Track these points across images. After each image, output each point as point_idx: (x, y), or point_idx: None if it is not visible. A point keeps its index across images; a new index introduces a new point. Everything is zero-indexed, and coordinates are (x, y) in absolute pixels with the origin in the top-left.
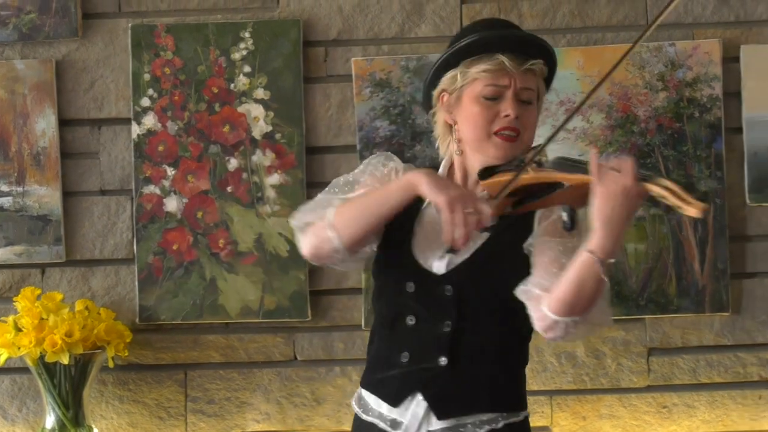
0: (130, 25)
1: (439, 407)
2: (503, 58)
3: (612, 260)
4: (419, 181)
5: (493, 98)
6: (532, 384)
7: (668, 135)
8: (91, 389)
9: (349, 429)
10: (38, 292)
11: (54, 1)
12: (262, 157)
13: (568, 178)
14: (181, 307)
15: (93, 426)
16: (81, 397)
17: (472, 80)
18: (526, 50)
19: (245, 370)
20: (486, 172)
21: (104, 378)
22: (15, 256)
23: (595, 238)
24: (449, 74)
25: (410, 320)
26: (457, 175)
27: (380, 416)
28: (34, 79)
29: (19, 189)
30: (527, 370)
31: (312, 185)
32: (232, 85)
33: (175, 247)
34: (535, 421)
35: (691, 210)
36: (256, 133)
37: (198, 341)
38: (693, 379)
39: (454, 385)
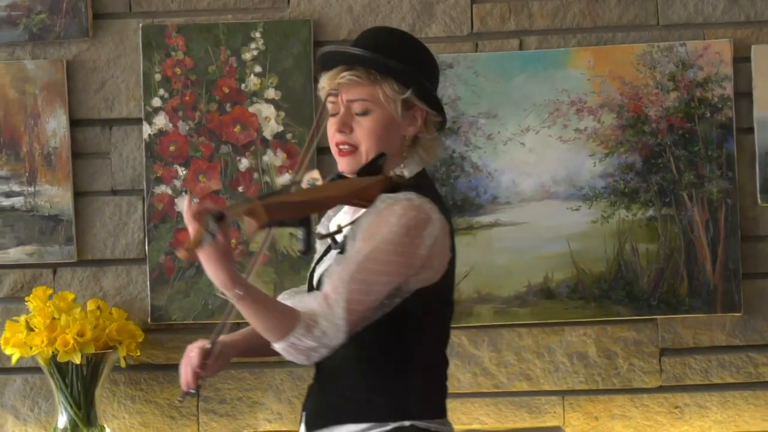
0: (140, 25)
1: (308, 421)
2: (323, 77)
3: (234, 293)
4: None
5: (334, 114)
6: (544, 384)
7: (679, 135)
8: (103, 389)
9: None
10: (50, 291)
11: (64, 2)
12: (273, 157)
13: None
14: (193, 306)
15: (105, 426)
16: (93, 396)
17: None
18: (344, 64)
19: (257, 369)
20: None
21: (116, 378)
22: (26, 256)
23: None
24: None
25: None
26: None
27: None
28: (44, 79)
29: (31, 189)
30: (540, 371)
31: None
32: (242, 85)
33: None
34: (547, 421)
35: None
36: (267, 133)
37: None
38: (705, 380)
39: (320, 400)
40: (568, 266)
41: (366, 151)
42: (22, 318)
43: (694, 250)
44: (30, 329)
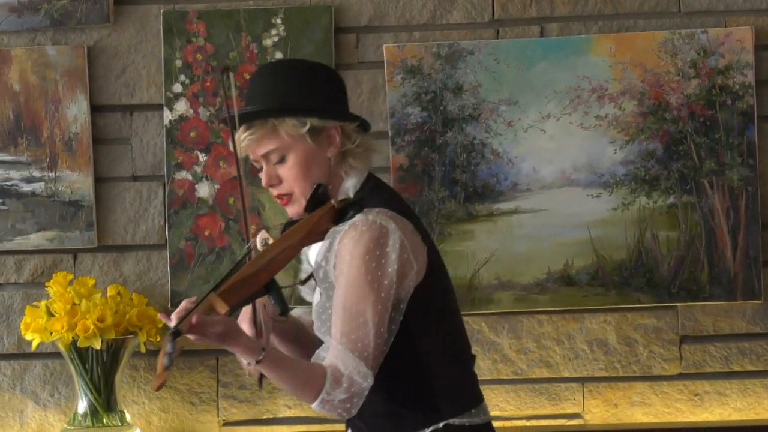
0: (161, 11)
1: None
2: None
3: (252, 363)
4: None
5: (261, 168)
6: (564, 371)
7: (700, 122)
8: (123, 374)
9: None
10: (70, 277)
11: None
12: None
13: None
14: None
15: (125, 411)
16: (113, 382)
17: None
18: (241, 125)
19: None
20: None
21: (136, 363)
22: (47, 241)
23: None
24: None
25: None
26: None
27: None
28: (65, 64)
29: (51, 175)
30: (560, 358)
31: None
32: None
33: (206, 233)
34: (566, 408)
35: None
36: None
37: None
38: (725, 367)
39: (359, 420)
40: (589, 253)
41: (302, 193)
42: (43, 303)
43: (715, 238)
44: (50, 315)
